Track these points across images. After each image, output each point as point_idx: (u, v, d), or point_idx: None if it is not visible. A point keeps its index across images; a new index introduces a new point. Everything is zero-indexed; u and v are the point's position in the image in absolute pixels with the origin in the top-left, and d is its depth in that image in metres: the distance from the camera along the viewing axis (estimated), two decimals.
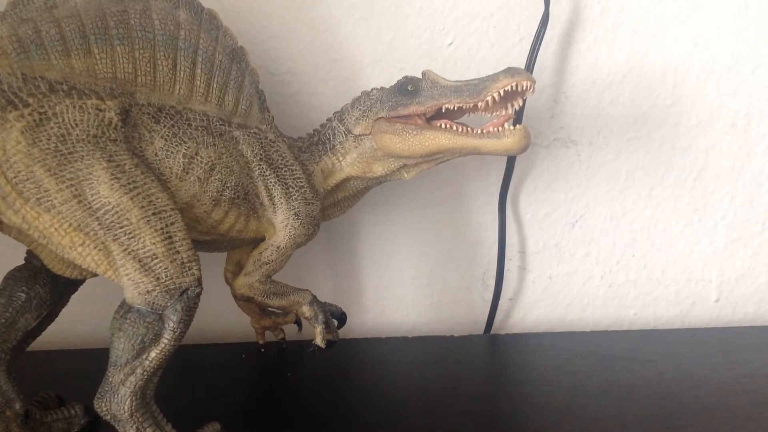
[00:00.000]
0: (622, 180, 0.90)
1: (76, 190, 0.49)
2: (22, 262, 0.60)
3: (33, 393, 0.64)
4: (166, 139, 0.56)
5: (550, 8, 0.78)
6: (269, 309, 0.77)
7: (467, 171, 0.87)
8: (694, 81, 0.87)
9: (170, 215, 0.53)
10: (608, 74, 0.85)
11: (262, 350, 0.81)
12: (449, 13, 0.80)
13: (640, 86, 0.86)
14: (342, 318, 0.73)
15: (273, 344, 0.82)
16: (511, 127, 0.60)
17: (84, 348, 0.80)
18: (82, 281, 0.62)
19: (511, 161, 0.85)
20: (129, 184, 0.51)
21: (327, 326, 0.68)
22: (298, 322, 0.80)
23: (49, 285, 0.59)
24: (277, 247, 0.65)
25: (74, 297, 0.63)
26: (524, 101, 0.64)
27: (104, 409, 0.52)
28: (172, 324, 0.52)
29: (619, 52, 0.84)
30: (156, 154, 0.55)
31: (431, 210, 0.88)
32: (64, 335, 0.80)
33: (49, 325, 0.61)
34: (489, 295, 0.91)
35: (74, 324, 0.83)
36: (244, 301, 0.69)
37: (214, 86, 0.61)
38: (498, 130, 0.60)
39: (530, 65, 0.79)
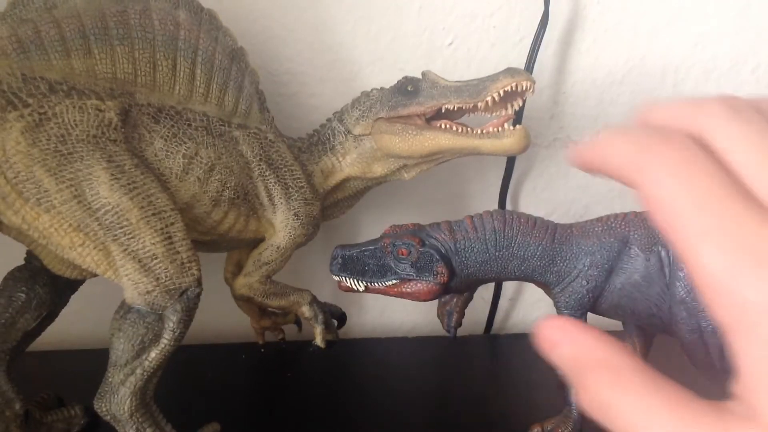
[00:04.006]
0: None
1: (76, 190, 0.49)
2: (22, 262, 0.60)
3: (33, 393, 0.64)
4: (165, 140, 0.56)
5: (550, 8, 0.78)
6: (269, 309, 0.77)
7: (467, 171, 0.87)
8: (694, 81, 0.87)
9: (170, 215, 0.53)
10: (608, 74, 0.85)
11: (262, 350, 0.81)
12: (449, 13, 0.80)
13: (640, 86, 0.86)
14: (342, 318, 0.73)
15: (273, 344, 0.81)
16: (511, 128, 0.60)
17: (84, 348, 0.80)
18: (82, 281, 0.62)
19: (511, 161, 0.84)
20: (129, 184, 0.51)
21: (327, 326, 0.68)
22: (298, 322, 0.80)
23: (49, 285, 0.59)
24: (277, 248, 0.65)
25: (74, 297, 0.63)
26: (524, 101, 0.64)
27: (104, 409, 0.52)
28: (171, 324, 0.52)
29: (619, 52, 0.84)
30: (156, 155, 0.55)
31: (431, 210, 0.88)
32: (64, 335, 0.80)
33: (48, 325, 0.61)
34: (489, 295, 0.90)
35: (74, 324, 0.82)
36: (243, 301, 0.69)
37: (214, 87, 0.61)
38: (498, 130, 0.60)
39: (530, 65, 0.79)
